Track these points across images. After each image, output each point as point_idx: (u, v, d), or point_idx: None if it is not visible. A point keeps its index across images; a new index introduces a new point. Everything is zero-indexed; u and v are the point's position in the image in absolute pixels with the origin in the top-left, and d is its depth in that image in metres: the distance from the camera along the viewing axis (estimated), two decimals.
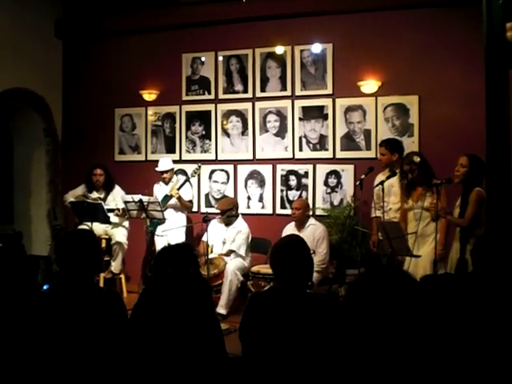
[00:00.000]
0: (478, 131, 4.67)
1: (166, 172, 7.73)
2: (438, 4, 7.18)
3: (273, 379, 3.10)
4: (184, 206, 7.69)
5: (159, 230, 7.57)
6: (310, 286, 3.41)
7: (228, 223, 7.31)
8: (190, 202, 7.84)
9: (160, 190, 7.79)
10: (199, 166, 7.75)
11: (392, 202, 6.41)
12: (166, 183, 7.76)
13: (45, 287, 6.06)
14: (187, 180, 7.69)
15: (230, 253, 7.20)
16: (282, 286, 3.34)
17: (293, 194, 7.91)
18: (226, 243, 7.27)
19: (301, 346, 3.08)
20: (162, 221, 7.43)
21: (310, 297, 3.38)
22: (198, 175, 8.02)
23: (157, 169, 7.76)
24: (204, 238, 7.17)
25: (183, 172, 8.17)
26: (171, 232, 7.44)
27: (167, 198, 7.58)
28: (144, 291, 1.93)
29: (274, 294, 3.44)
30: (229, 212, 7.22)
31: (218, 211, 7.41)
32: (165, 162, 7.79)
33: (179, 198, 7.53)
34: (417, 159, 5.94)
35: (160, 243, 7.32)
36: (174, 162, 8.04)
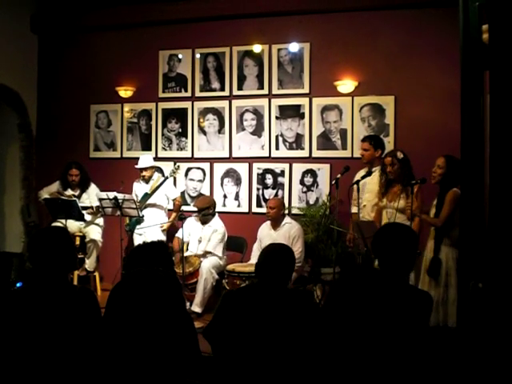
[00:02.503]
0: (454, 132, 4.68)
1: (146, 170, 7.63)
2: (416, 5, 7.22)
3: (250, 376, 3.11)
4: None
5: (138, 228, 7.54)
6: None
7: (204, 221, 7.27)
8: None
9: (140, 188, 7.72)
10: (178, 166, 7.75)
11: (366, 199, 6.43)
12: (146, 181, 7.68)
13: (18, 285, 6.02)
14: (165, 180, 7.64)
15: (205, 254, 7.14)
16: (264, 283, 3.37)
17: (269, 193, 7.92)
18: (202, 242, 7.22)
19: (282, 339, 3.10)
20: (140, 219, 7.40)
21: (290, 291, 3.44)
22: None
23: (136, 166, 7.68)
24: (179, 235, 7.15)
25: (159, 170, 8.13)
26: (149, 230, 7.38)
27: (146, 196, 7.54)
28: (113, 290, 1.92)
29: (251, 291, 3.46)
30: (206, 210, 7.19)
31: (195, 209, 7.38)
32: (145, 159, 7.69)
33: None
34: (400, 155, 6.01)
35: (138, 241, 7.22)
36: None
